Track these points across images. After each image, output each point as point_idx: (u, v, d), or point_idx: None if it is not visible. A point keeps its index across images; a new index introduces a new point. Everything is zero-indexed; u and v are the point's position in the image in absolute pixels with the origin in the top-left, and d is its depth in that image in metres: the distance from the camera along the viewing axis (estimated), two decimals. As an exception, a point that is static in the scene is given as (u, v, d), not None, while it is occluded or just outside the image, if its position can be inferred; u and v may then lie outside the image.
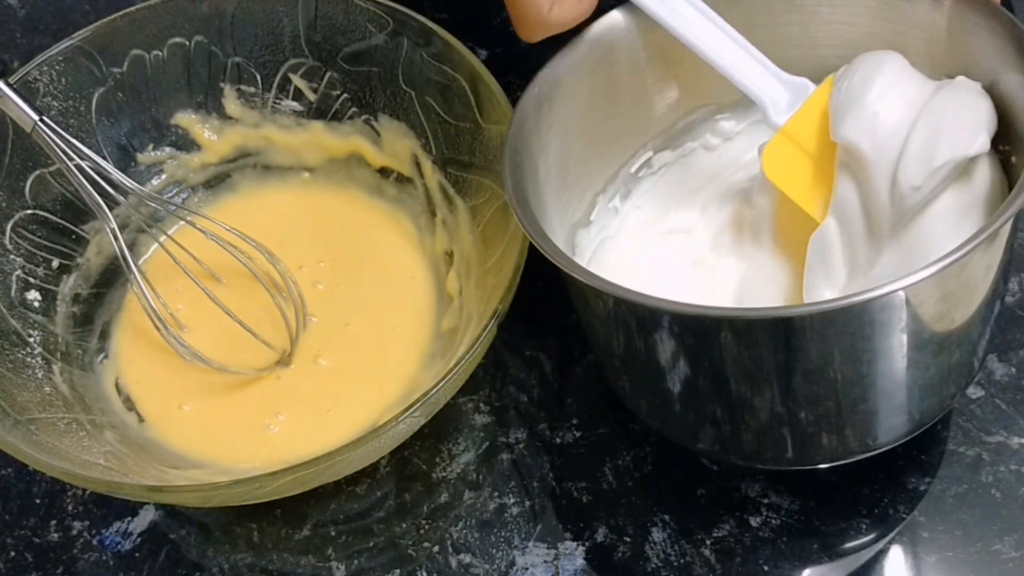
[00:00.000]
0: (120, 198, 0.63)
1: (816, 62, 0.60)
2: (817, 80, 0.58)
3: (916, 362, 0.51)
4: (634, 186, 0.65)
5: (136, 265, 0.64)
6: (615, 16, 0.59)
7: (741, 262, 0.62)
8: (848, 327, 0.48)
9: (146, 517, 0.62)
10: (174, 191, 0.72)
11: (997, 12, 0.53)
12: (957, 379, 0.55)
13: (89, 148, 0.62)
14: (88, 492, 0.63)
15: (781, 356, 0.50)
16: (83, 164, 0.61)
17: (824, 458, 0.57)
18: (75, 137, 0.62)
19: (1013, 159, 0.54)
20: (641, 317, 0.52)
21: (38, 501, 0.63)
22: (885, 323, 0.48)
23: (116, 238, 0.63)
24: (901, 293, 0.47)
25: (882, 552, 0.58)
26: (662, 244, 0.63)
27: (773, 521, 0.59)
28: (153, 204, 0.68)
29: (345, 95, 0.71)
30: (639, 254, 0.63)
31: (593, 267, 0.61)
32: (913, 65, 0.57)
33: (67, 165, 0.61)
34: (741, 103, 0.63)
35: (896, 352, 0.50)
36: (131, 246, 0.69)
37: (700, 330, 0.51)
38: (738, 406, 0.53)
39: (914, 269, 0.46)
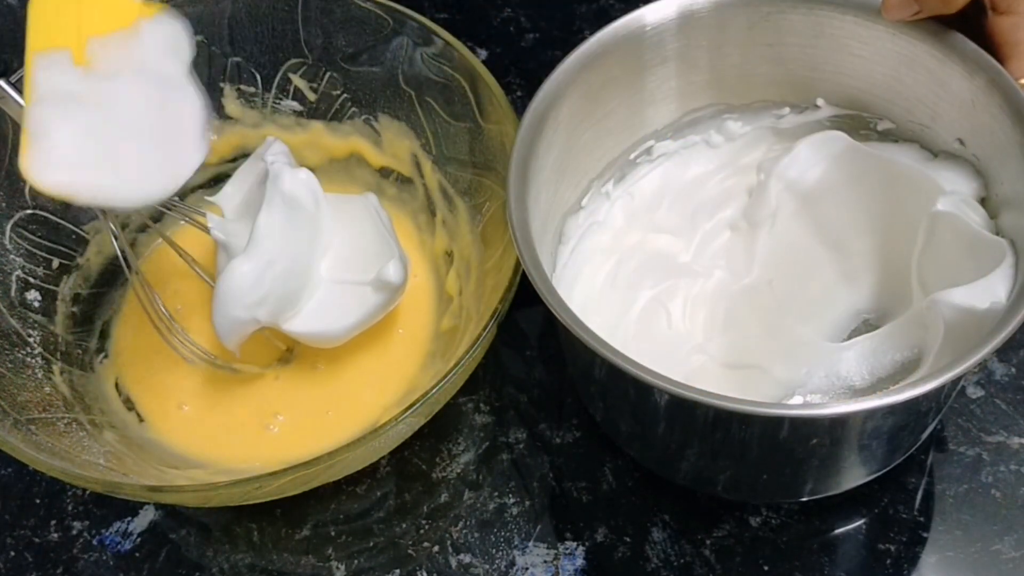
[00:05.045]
0: None
1: (835, 88, 0.62)
2: (833, 101, 0.62)
3: (872, 439, 0.54)
4: (629, 171, 0.65)
5: (137, 264, 0.64)
6: (641, 14, 0.60)
7: (725, 276, 0.62)
8: (816, 429, 0.51)
9: (146, 517, 0.62)
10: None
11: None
12: (914, 435, 0.57)
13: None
14: (88, 492, 0.63)
15: (752, 436, 0.52)
16: None
17: (796, 496, 0.59)
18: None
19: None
20: (630, 383, 0.52)
21: (38, 501, 0.63)
22: (843, 422, 0.51)
23: (117, 237, 0.63)
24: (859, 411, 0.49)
25: (882, 552, 0.58)
26: (647, 241, 0.63)
27: (773, 521, 0.59)
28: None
29: (345, 95, 0.71)
30: (622, 250, 0.63)
31: (576, 254, 0.62)
32: (927, 120, 0.59)
33: None
34: (751, 107, 0.64)
35: (853, 440, 0.53)
36: (131, 246, 0.70)
37: (680, 405, 0.51)
38: (708, 459, 0.56)
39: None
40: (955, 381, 0.48)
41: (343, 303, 0.63)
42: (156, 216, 0.71)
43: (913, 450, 0.58)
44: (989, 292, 0.51)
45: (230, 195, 0.66)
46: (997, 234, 0.55)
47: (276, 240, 0.61)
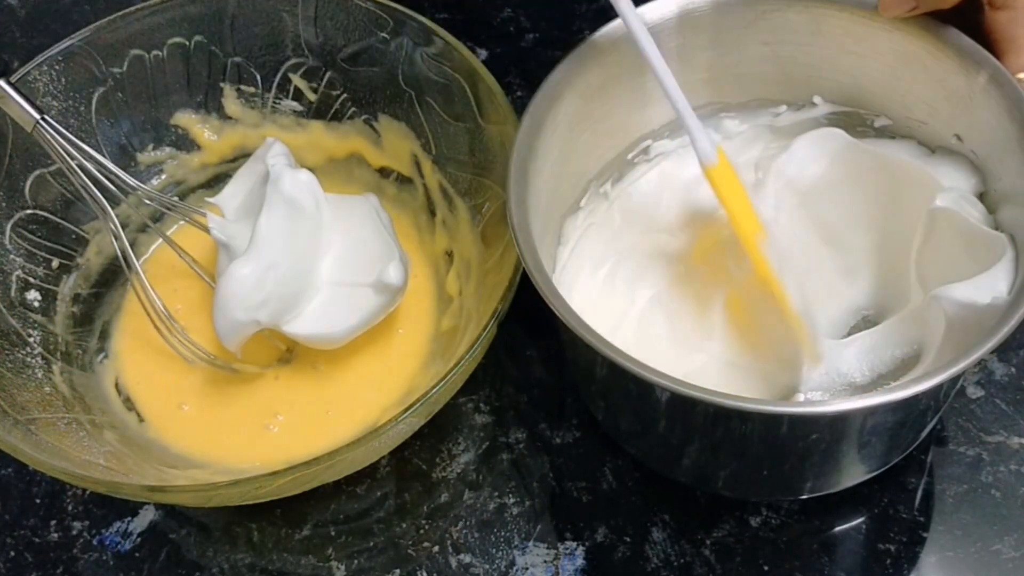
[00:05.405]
0: (121, 197, 0.63)
1: (832, 85, 0.62)
2: (830, 99, 0.62)
3: (871, 435, 0.53)
4: (627, 171, 0.65)
5: (138, 264, 0.64)
6: (639, 13, 0.59)
7: (724, 275, 0.62)
8: (816, 426, 0.51)
9: (146, 517, 0.62)
10: (174, 191, 0.72)
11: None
12: (913, 433, 0.57)
13: (89, 148, 0.62)
14: (88, 492, 0.63)
15: (752, 433, 0.52)
16: (85, 163, 0.61)
17: (797, 494, 0.58)
18: (75, 137, 0.61)
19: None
20: (632, 382, 0.52)
21: (38, 501, 0.63)
22: (843, 420, 0.51)
23: (118, 237, 0.63)
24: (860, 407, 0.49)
25: (882, 552, 0.58)
26: (646, 241, 0.63)
27: (773, 521, 0.59)
28: (154, 203, 0.68)
29: (345, 95, 0.71)
30: (621, 250, 0.63)
31: (575, 255, 0.62)
32: (924, 116, 0.59)
33: (68, 164, 0.61)
34: (748, 105, 0.64)
35: (852, 437, 0.53)
36: (131, 246, 0.70)
37: (681, 403, 0.51)
38: (709, 457, 0.56)
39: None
40: (956, 378, 0.48)
41: (344, 305, 0.63)
42: (156, 216, 0.71)
43: (913, 449, 0.58)
44: (990, 287, 0.51)
45: (230, 196, 0.66)
46: (996, 229, 0.55)
47: (277, 242, 0.61)
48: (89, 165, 0.61)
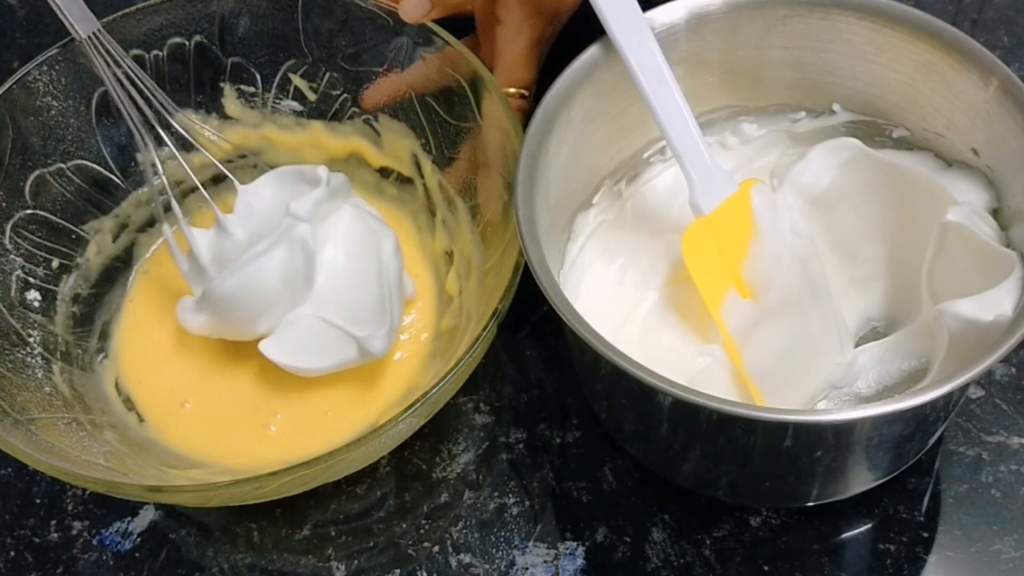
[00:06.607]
0: (162, 132, 0.63)
1: (851, 94, 0.62)
2: (849, 107, 0.61)
3: (876, 449, 0.53)
4: (643, 170, 0.65)
5: (177, 207, 0.64)
6: (652, 15, 0.59)
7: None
8: (818, 435, 0.51)
9: (146, 517, 0.62)
10: (173, 191, 0.72)
11: None
12: (920, 443, 0.57)
13: (89, 148, 0.61)
14: (88, 492, 0.63)
15: (753, 442, 0.52)
16: (129, 88, 0.62)
17: (797, 502, 0.58)
18: (75, 137, 0.61)
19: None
20: (635, 385, 0.52)
21: (38, 501, 0.63)
22: (846, 429, 0.51)
23: (157, 173, 0.63)
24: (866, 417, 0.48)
25: (882, 552, 0.58)
26: (657, 241, 0.63)
27: (773, 521, 0.59)
28: (187, 153, 0.68)
29: (345, 95, 0.71)
30: (631, 249, 0.63)
31: (585, 252, 0.62)
32: (942, 128, 0.59)
33: (112, 86, 0.61)
34: (767, 109, 0.63)
35: (857, 446, 0.53)
36: (131, 247, 0.70)
37: (683, 408, 0.51)
38: (711, 463, 0.56)
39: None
40: (961, 389, 0.47)
41: (322, 343, 0.63)
42: (192, 186, 0.69)
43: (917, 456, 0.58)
44: (995, 304, 0.51)
45: (254, 195, 0.66)
46: (1008, 246, 0.55)
47: (271, 278, 0.62)
48: (135, 89, 0.61)
